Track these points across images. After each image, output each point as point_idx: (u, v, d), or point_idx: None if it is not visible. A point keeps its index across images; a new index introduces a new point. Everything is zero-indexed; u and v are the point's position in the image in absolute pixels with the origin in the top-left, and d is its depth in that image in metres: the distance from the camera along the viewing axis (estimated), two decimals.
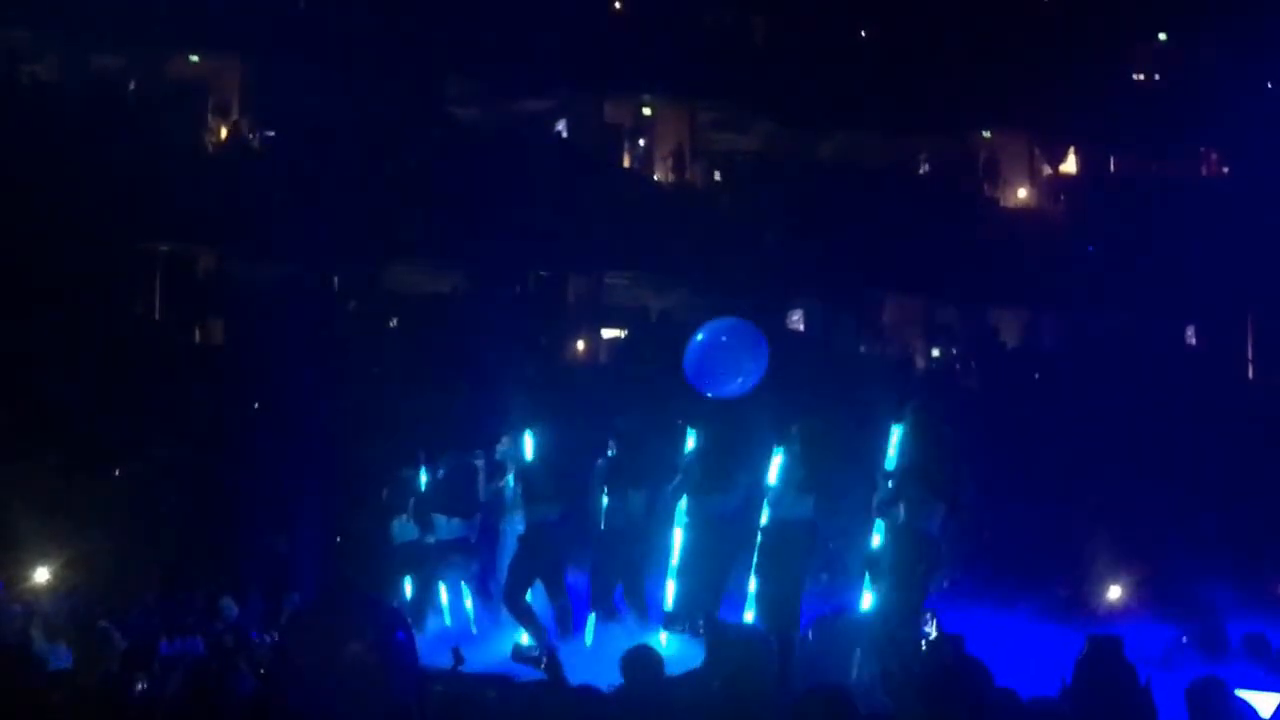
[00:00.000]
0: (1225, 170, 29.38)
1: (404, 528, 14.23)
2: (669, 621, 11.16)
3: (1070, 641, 8.71)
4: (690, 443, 11.96)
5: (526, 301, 25.33)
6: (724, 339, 10.96)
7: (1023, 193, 29.29)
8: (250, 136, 24.79)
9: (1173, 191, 28.05)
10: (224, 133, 24.70)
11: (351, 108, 24.11)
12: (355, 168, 23.47)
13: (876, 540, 10.22)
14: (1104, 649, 7.61)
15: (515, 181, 24.53)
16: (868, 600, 10.12)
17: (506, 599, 12.48)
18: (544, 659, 7.63)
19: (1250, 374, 27.54)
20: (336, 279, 24.59)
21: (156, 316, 23.55)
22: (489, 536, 13.75)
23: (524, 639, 11.93)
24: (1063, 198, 29.45)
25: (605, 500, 12.33)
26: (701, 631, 8.05)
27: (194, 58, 24.92)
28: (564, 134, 27.04)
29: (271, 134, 24.71)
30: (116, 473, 20.32)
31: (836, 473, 10.47)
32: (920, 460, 10.04)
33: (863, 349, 26.75)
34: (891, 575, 10.06)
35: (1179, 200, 27.41)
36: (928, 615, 10.38)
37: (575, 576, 12.70)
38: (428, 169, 24.23)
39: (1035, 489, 19.74)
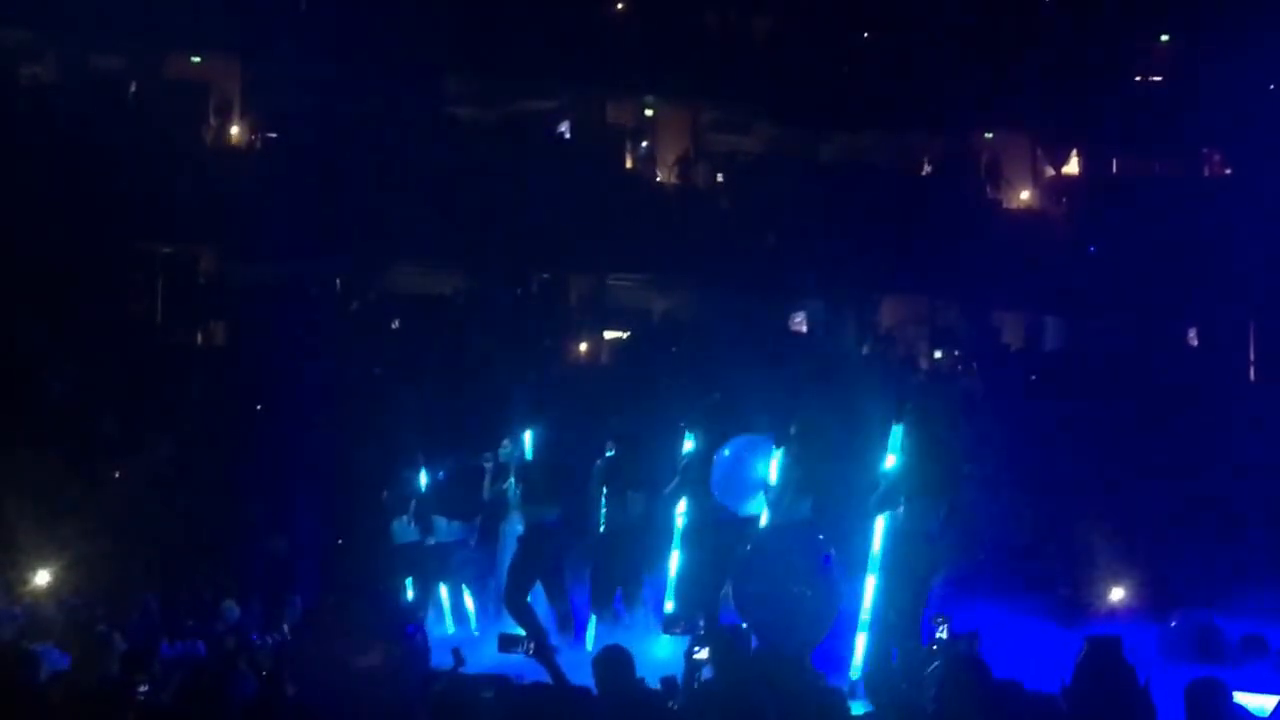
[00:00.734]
0: (1227, 171, 29.36)
1: (405, 529, 14.23)
2: (669, 624, 11.14)
3: (1070, 641, 8.69)
4: (688, 444, 11.96)
5: (529, 302, 25.32)
6: (746, 455, 11.00)
7: (1025, 194, 29.28)
8: (251, 137, 24.79)
9: (1175, 193, 28.03)
10: (225, 133, 24.70)
11: (353, 108, 24.09)
12: (356, 168, 23.46)
13: (877, 544, 10.20)
14: (1103, 649, 7.59)
15: (517, 182, 24.53)
16: (868, 601, 10.09)
17: (507, 600, 12.47)
18: (530, 647, 7.62)
19: (1252, 375, 27.51)
20: (338, 280, 24.59)
21: (157, 317, 23.54)
22: (490, 538, 13.75)
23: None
24: (1065, 199, 29.44)
25: (604, 502, 12.34)
26: (702, 633, 8.04)
27: (194, 58, 24.93)
28: (566, 135, 27.04)
29: (272, 134, 24.71)
30: (117, 474, 20.29)
31: (835, 473, 10.45)
32: (918, 460, 10.02)
33: (865, 350, 26.74)
34: (892, 576, 10.04)
35: (1181, 202, 27.38)
36: (939, 619, 10.35)
37: (576, 579, 12.71)
38: (429, 170, 24.23)
39: (1037, 489, 19.72)
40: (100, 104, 23.45)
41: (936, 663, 8.96)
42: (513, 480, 12.98)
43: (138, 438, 20.18)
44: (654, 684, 7.86)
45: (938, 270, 26.20)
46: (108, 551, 17.57)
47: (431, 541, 13.77)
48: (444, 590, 14.08)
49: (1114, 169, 29.89)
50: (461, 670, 8.97)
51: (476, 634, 13.33)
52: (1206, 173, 29.68)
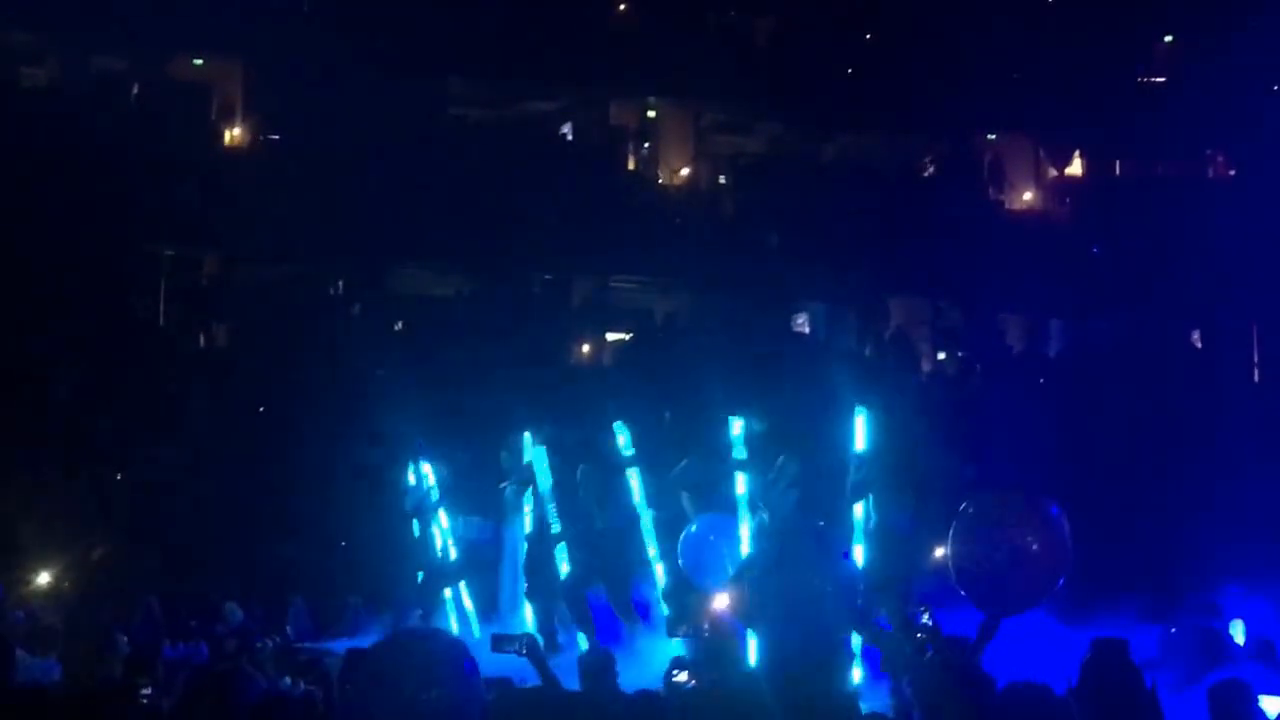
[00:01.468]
0: (1231, 172, 29.32)
1: (411, 530, 14.21)
2: (672, 626, 11.11)
3: (1075, 642, 8.66)
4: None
5: (531, 304, 25.31)
6: (714, 537, 10.97)
7: (1028, 195, 29.25)
8: (254, 139, 24.79)
9: (1178, 194, 27.99)
10: (228, 135, 24.70)
11: (356, 110, 24.09)
12: (359, 171, 23.46)
13: (860, 552, 10.17)
14: (1109, 652, 7.57)
15: (520, 184, 24.53)
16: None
17: (565, 598, 12.50)
18: (523, 647, 7.59)
19: (1255, 377, 27.46)
20: (341, 282, 24.59)
21: (160, 319, 23.54)
22: (496, 540, 13.72)
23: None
24: (1068, 200, 29.41)
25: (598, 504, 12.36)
26: (707, 635, 8.01)
27: (197, 60, 24.93)
28: (569, 136, 27.03)
29: (275, 136, 24.72)
30: (120, 476, 20.31)
31: (817, 464, 10.44)
32: (879, 450, 10.02)
33: (867, 352, 26.72)
34: (871, 576, 10.02)
35: (1184, 203, 27.34)
36: (922, 609, 10.33)
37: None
38: (432, 171, 24.23)
39: (1040, 491, 19.66)
40: (103, 106, 23.48)
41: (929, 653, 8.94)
42: (516, 483, 12.98)
43: (141, 440, 20.20)
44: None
45: (940, 272, 26.17)
46: (110, 553, 17.59)
47: (441, 543, 13.71)
48: (449, 592, 14.06)
49: (1117, 170, 29.85)
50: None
51: (478, 636, 13.30)
52: (1210, 174, 29.63)
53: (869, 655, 9.34)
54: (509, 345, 23.19)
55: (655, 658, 10.09)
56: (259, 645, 13.53)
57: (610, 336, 26.40)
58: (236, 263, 24.01)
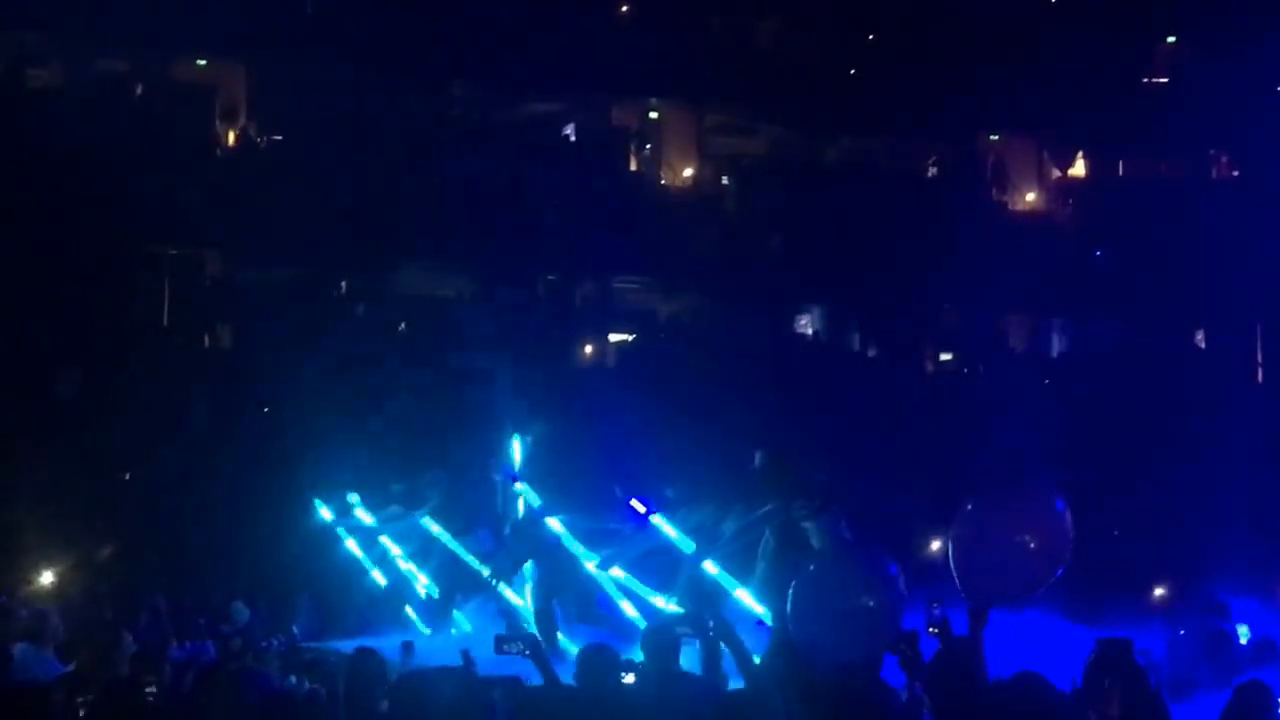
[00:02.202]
0: (1235, 173, 29.32)
1: (415, 532, 14.21)
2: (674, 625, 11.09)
3: (1080, 641, 8.68)
4: None
5: (534, 305, 25.32)
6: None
7: (1030, 196, 29.25)
8: (257, 140, 24.80)
9: (1181, 195, 27.98)
10: (231, 136, 24.72)
11: (359, 111, 24.11)
12: (362, 171, 23.48)
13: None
14: (1113, 652, 7.58)
15: (523, 185, 24.54)
16: None
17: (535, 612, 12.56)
18: (526, 648, 7.61)
19: (1260, 378, 27.46)
20: (344, 283, 24.60)
21: (164, 320, 23.56)
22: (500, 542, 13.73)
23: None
24: (1071, 201, 29.41)
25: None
26: (712, 633, 7.98)
27: (201, 61, 24.94)
28: (571, 137, 27.04)
29: (279, 137, 24.73)
30: (124, 476, 20.33)
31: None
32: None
33: (871, 354, 26.74)
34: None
35: (1188, 203, 27.33)
36: (934, 604, 10.30)
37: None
38: (435, 173, 24.24)
39: (1043, 483, 19.67)
40: (106, 107, 23.48)
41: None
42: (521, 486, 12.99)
43: (145, 440, 20.21)
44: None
45: (943, 273, 26.16)
46: (115, 552, 17.61)
47: (446, 544, 13.72)
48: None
49: (1120, 171, 29.85)
50: (472, 671, 8.97)
51: (471, 632, 13.33)
52: (1213, 174, 29.63)
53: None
54: (512, 346, 23.23)
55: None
56: (265, 644, 13.55)
57: (613, 338, 26.41)
58: (240, 264, 24.01)
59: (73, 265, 21.08)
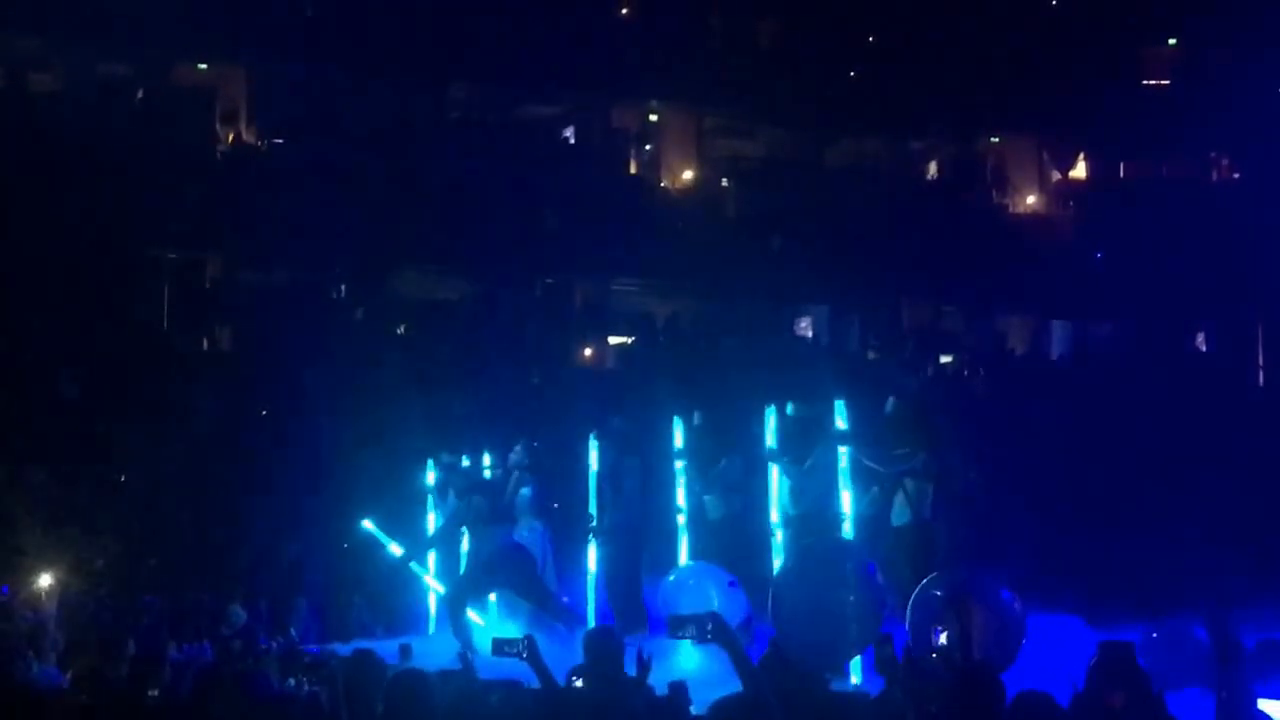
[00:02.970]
0: (1235, 175, 29.33)
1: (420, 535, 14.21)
2: (675, 626, 11.08)
3: (1080, 646, 8.67)
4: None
5: (533, 308, 25.32)
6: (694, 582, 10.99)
7: (1031, 198, 29.26)
8: (257, 143, 24.80)
9: (1182, 197, 27.99)
10: (231, 139, 24.72)
11: (358, 114, 24.11)
12: (362, 174, 23.48)
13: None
14: (1116, 655, 7.56)
15: (523, 187, 24.54)
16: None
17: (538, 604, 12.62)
18: (524, 650, 7.57)
19: (1261, 379, 27.46)
20: (344, 286, 24.60)
21: (164, 322, 23.56)
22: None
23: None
24: (1071, 203, 29.42)
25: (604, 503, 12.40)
26: (710, 636, 7.95)
27: (201, 65, 24.96)
28: (571, 140, 27.04)
29: (279, 140, 24.73)
30: (124, 477, 20.32)
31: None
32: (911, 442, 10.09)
33: (871, 355, 26.72)
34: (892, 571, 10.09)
35: (1188, 205, 27.34)
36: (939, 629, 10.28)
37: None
38: (434, 175, 24.25)
39: (1042, 495, 19.67)
40: (108, 111, 23.50)
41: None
42: (522, 488, 13.00)
43: (145, 441, 20.19)
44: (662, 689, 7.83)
45: (943, 275, 26.17)
46: (115, 555, 17.59)
47: (457, 549, 13.71)
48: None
49: (1121, 173, 29.87)
50: (471, 674, 8.96)
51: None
52: (1214, 176, 29.65)
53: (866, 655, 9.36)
54: (511, 348, 23.25)
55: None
56: (263, 647, 13.52)
57: (612, 340, 26.41)
58: (240, 266, 24.02)
59: (74, 267, 21.07)
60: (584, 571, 12.68)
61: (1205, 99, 27.22)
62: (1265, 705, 7.28)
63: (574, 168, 26.04)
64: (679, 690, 7.82)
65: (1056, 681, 7.45)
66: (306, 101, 24.08)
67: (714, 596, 10.57)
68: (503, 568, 12.80)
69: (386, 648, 10.75)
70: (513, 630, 12.81)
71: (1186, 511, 20.14)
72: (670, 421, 11.97)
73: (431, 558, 14.16)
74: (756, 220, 26.30)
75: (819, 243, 25.22)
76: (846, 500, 10.20)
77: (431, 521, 14.15)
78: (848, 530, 10.26)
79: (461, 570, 13.41)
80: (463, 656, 9.37)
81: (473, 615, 13.12)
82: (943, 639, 9.98)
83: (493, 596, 13.28)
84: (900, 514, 10.49)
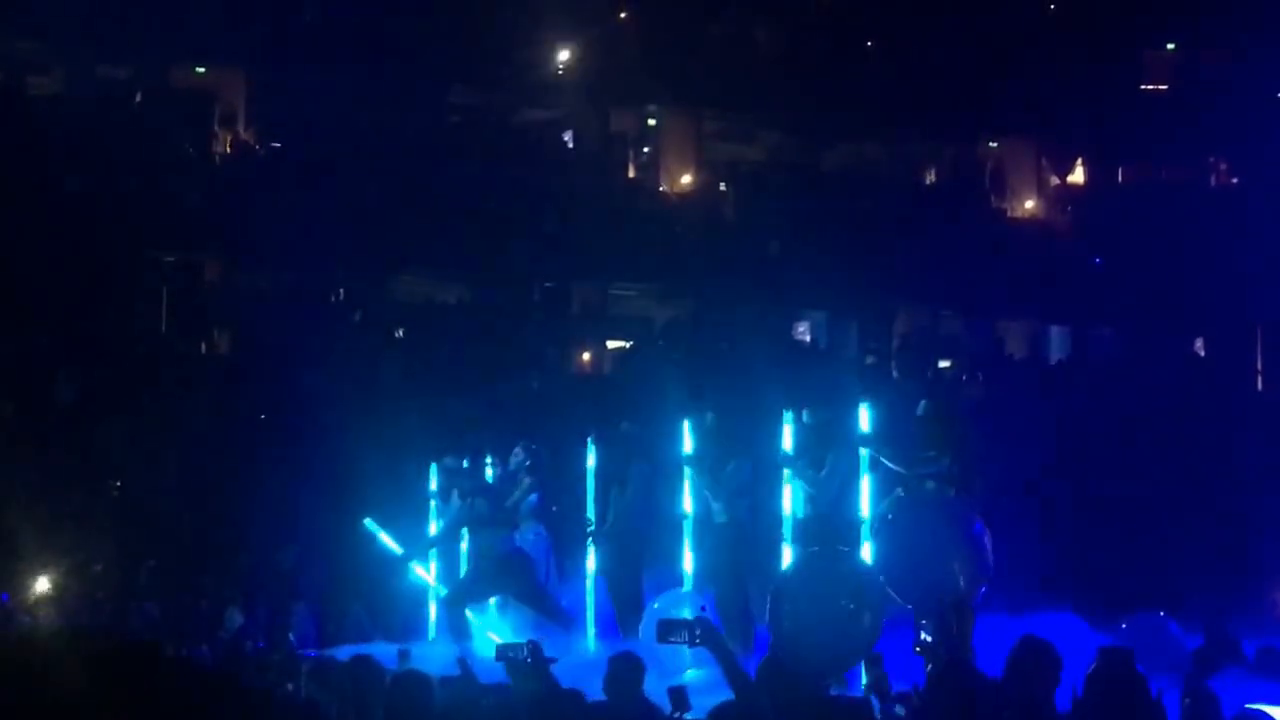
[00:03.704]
0: (1234, 180, 29.34)
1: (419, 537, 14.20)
2: (664, 631, 11.02)
3: (1080, 649, 8.65)
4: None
5: (532, 312, 25.30)
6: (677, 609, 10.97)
7: (1030, 203, 29.26)
8: (255, 146, 24.79)
9: (1180, 201, 27.99)
10: (229, 142, 24.71)
11: (356, 117, 24.09)
12: (360, 177, 23.47)
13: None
14: (1115, 661, 7.54)
15: (520, 191, 24.53)
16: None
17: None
18: (528, 656, 7.55)
19: (1259, 385, 27.46)
20: (342, 289, 24.58)
21: (162, 326, 23.54)
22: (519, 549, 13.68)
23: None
24: (1070, 208, 29.42)
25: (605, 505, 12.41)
26: (699, 641, 7.87)
27: (199, 68, 24.95)
28: (569, 143, 27.02)
29: (276, 144, 24.72)
30: (121, 482, 20.30)
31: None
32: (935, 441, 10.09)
33: (869, 360, 26.71)
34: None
35: (1187, 210, 27.35)
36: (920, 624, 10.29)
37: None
38: (432, 178, 24.23)
39: (1042, 499, 19.67)
40: (106, 114, 23.48)
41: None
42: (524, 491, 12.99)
43: (143, 446, 20.17)
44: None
45: (942, 280, 26.17)
46: (112, 559, 17.57)
47: (461, 551, 13.70)
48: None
49: (1119, 177, 29.88)
50: (471, 679, 8.94)
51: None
52: (1212, 181, 29.66)
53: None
54: (509, 353, 23.22)
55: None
56: (257, 650, 13.51)
57: (610, 344, 26.39)
58: (238, 269, 24.00)
59: (72, 270, 21.06)
60: (583, 575, 12.69)
61: (1204, 103, 27.23)
62: (1263, 709, 7.29)
63: (572, 171, 26.03)
64: (679, 695, 7.80)
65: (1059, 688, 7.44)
66: (305, 105, 24.05)
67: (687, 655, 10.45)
68: (502, 571, 12.80)
69: (385, 652, 10.74)
70: (508, 633, 12.83)
71: (1185, 515, 20.14)
72: (675, 425, 11.94)
73: (432, 561, 14.15)
74: (755, 224, 26.28)
75: (817, 247, 25.19)
76: (865, 503, 10.20)
77: (434, 528, 14.13)
78: (863, 533, 10.27)
79: (461, 573, 13.42)
80: (462, 661, 9.36)
81: (472, 618, 13.13)
82: (924, 635, 9.97)
83: (492, 600, 13.28)
84: None
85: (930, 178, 28.88)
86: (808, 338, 27.66)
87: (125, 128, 23.43)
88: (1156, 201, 28.18)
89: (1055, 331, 28.90)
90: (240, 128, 24.79)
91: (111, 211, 21.66)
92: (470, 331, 24.33)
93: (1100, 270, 27.64)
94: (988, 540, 8.65)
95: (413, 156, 24.32)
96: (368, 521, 14.13)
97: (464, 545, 13.51)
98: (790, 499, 10.90)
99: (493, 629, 13.22)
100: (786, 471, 10.89)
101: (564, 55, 26.29)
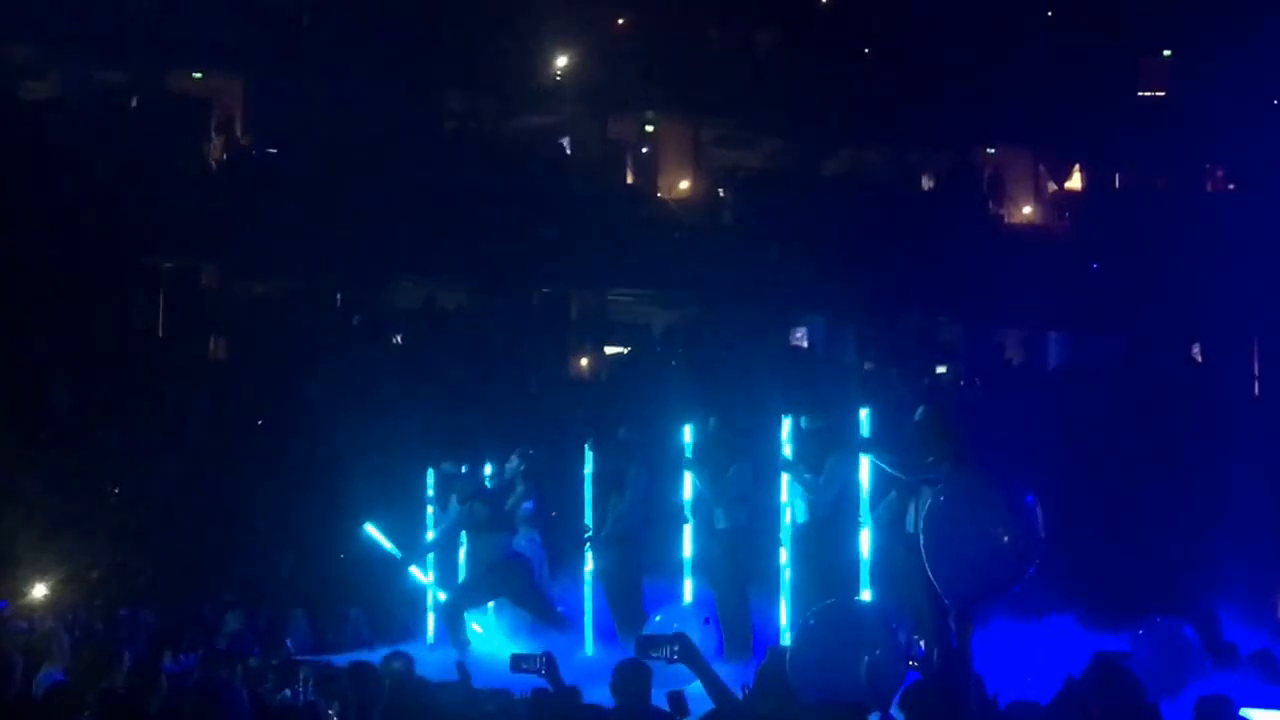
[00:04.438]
0: (1230, 186, 29.36)
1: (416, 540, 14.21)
2: (643, 646, 10.93)
3: (1077, 653, 8.66)
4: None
5: (530, 318, 25.31)
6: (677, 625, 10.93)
7: (1027, 209, 29.28)
8: (253, 152, 24.79)
9: (1178, 208, 28.01)
10: (226, 147, 24.71)
11: (354, 123, 24.11)
12: (357, 184, 23.47)
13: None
14: (1110, 666, 7.55)
15: (519, 197, 24.53)
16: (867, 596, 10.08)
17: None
18: (543, 667, 7.57)
19: (1256, 391, 27.47)
20: (340, 295, 24.59)
21: (160, 331, 23.55)
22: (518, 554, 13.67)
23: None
24: (1067, 214, 29.44)
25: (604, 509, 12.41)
26: (676, 657, 7.75)
27: (196, 74, 24.96)
28: (567, 149, 27.04)
29: (274, 150, 24.73)
30: (119, 488, 20.30)
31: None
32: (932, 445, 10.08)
33: (867, 366, 26.72)
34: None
35: (1184, 217, 27.36)
36: (916, 638, 10.26)
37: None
38: (431, 184, 24.24)
39: (1040, 504, 19.68)
40: (103, 119, 23.49)
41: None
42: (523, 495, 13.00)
43: (140, 451, 20.19)
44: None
45: (940, 286, 26.17)
46: (110, 565, 17.58)
47: (463, 554, 13.70)
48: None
49: (1117, 184, 29.89)
50: (465, 685, 8.95)
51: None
52: (1209, 188, 29.68)
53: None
54: (507, 358, 23.22)
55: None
56: (253, 656, 13.49)
57: (609, 350, 26.40)
58: (236, 275, 24.00)
59: (69, 276, 21.06)
60: (581, 580, 12.69)
61: (1201, 110, 27.25)
62: (1255, 714, 7.31)
63: (570, 177, 26.03)
64: (677, 700, 7.81)
65: (1051, 685, 7.46)
66: (302, 111, 24.06)
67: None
68: (500, 575, 12.81)
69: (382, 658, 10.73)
70: (502, 637, 12.85)
71: (1182, 521, 20.16)
72: (674, 430, 11.94)
73: (431, 564, 14.16)
74: (753, 230, 26.28)
75: (816, 253, 25.20)
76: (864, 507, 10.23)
77: (431, 533, 14.13)
78: (863, 537, 10.27)
79: (459, 578, 13.43)
80: (460, 666, 9.37)
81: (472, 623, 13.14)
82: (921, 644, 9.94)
83: (490, 604, 13.30)
84: (914, 520, 10.45)
85: (928, 184, 28.90)
86: (806, 343, 27.66)
87: (122, 133, 23.44)
88: (1153, 208, 28.21)
89: (1053, 337, 28.91)
90: (237, 133, 24.80)
91: (108, 217, 21.67)
92: (468, 337, 24.35)
93: (1098, 276, 27.65)
94: (1039, 515, 8.48)
95: (410, 162, 24.32)
96: (367, 526, 14.15)
97: (462, 550, 13.52)
98: (788, 504, 10.91)
99: (490, 631, 13.25)
100: (786, 477, 10.90)
101: (562, 61, 26.32)
